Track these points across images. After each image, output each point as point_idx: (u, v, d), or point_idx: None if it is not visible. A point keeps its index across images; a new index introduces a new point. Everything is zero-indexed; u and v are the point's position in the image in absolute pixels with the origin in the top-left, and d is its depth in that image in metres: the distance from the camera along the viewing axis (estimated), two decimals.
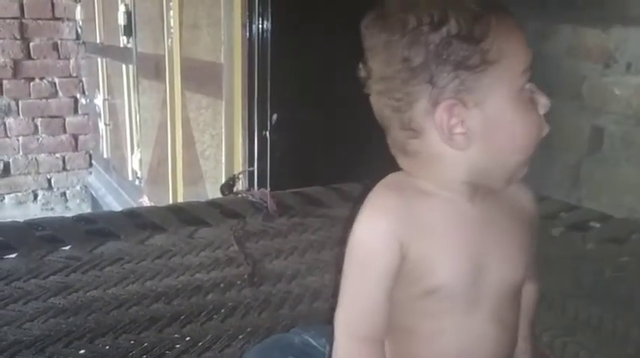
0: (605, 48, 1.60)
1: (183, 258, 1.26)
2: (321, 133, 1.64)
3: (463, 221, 0.67)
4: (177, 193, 2.41)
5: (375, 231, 0.65)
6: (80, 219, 1.39)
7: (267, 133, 1.64)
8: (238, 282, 1.16)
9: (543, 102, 0.66)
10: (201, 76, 2.04)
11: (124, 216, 1.43)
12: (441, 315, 0.67)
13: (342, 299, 0.67)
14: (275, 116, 1.63)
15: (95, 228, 1.36)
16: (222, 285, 1.15)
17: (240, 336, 0.98)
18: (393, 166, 0.69)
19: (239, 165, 1.77)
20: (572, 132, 1.70)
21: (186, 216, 1.44)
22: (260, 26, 1.62)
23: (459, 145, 0.63)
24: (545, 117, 0.66)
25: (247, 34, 1.64)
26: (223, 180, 1.76)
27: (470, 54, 0.61)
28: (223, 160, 1.86)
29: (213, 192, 1.88)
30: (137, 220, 1.40)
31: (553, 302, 1.08)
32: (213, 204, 1.50)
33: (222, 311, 1.05)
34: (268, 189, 1.49)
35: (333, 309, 0.69)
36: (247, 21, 1.63)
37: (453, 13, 0.61)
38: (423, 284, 0.66)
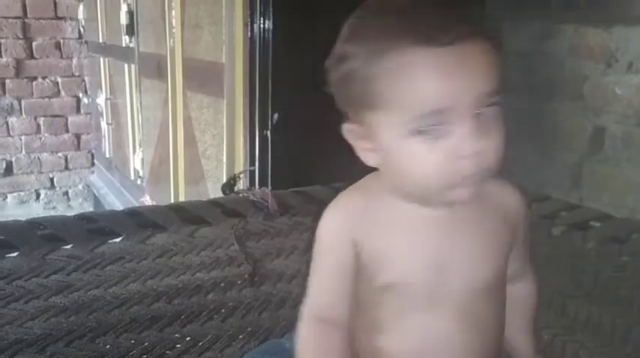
0: (607, 47, 1.60)
1: (184, 257, 1.26)
2: (322, 132, 1.64)
3: (421, 221, 0.68)
4: (179, 192, 2.41)
5: (330, 228, 0.70)
6: (82, 218, 1.39)
7: (268, 133, 1.65)
8: (239, 282, 1.16)
9: (461, 147, 0.60)
10: (202, 76, 2.04)
11: (125, 215, 1.43)
12: (403, 312, 0.69)
13: (308, 290, 0.72)
14: (276, 115, 1.64)
15: (96, 227, 1.36)
16: (222, 285, 1.15)
17: (241, 336, 0.98)
18: None
19: (240, 165, 1.78)
20: (573, 131, 1.70)
21: (188, 215, 1.44)
22: (261, 25, 1.62)
23: (367, 161, 0.66)
24: (475, 158, 0.61)
25: (249, 33, 1.64)
26: (224, 180, 1.76)
27: (361, 92, 0.62)
28: (224, 160, 1.87)
29: (215, 192, 1.88)
30: (138, 219, 1.41)
31: (553, 302, 1.08)
32: (214, 203, 1.50)
33: (223, 311, 1.06)
34: (269, 188, 1.49)
35: None
36: (249, 20, 1.63)
37: (358, 48, 0.61)
38: (379, 280, 0.69)
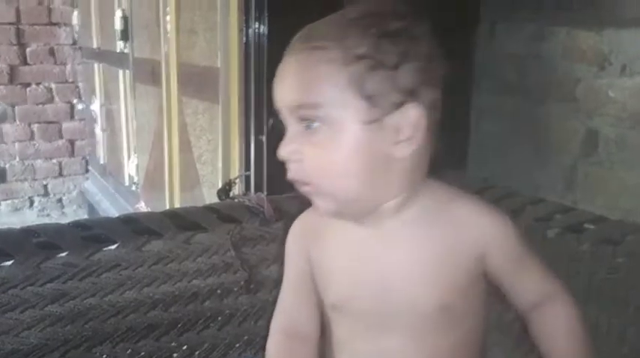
0: (600, 50, 1.61)
1: (181, 264, 1.25)
2: None
3: (365, 239, 0.67)
4: (174, 198, 2.41)
5: (290, 242, 0.76)
6: (76, 225, 1.38)
7: (264, 138, 1.64)
8: (235, 289, 1.16)
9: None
10: (198, 81, 2.04)
11: (120, 222, 1.42)
12: (355, 333, 0.69)
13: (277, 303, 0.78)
14: (271, 121, 1.63)
15: (92, 234, 1.35)
16: (219, 292, 1.15)
17: (237, 345, 0.98)
18: None
19: (235, 170, 1.77)
20: (567, 134, 1.70)
21: (183, 221, 1.43)
22: (256, 30, 1.62)
23: None
24: (290, 165, 0.67)
25: (244, 38, 1.65)
26: (220, 185, 1.76)
27: None
28: (220, 165, 1.86)
29: (210, 197, 1.88)
30: (134, 226, 1.40)
31: None
32: (209, 209, 1.50)
33: (219, 318, 1.05)
34: (265, 193, 1.48)
35: None
36: (244, 25, 1.64)
37: None
38: (327, 299, 0.71)
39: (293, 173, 0.66)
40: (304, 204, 1.52)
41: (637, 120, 1.56)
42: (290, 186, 1.71)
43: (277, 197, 1.55)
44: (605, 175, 1.63)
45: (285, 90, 0.63)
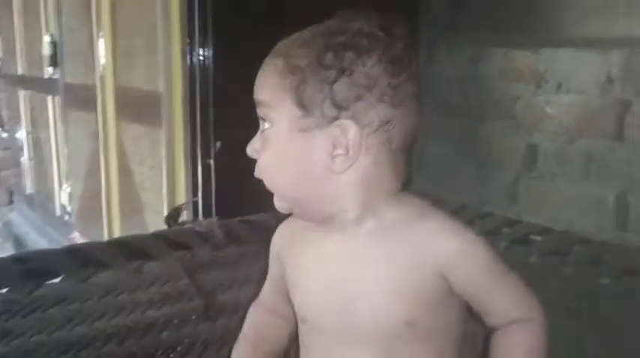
0: (536, 69, 1.68)
1: (132, 294, 1.20)
2: None
3: (326, 253, 0.68)
4: (113, 227, 2.32)
5: (271, 244, 0.77)
6: (15, 258, 1.31)
7: (211, 161, 1.61)
8: (193, 317, 1.12)
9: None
10: (138, 106, 1.99)
11: (63, 254, 1.36)
12: (323, 345, 0.69)
13: None
14: (218, 143, 1.61)
15: (32, 267, 1.28)
16: (176, 321, 1.10)
17: None
18: None
19: (182, 195, 1.73)
20: (508, 150, 1.76)
21: (131, 250, 1.38)
22: (201, 54, 1.60)
23: None
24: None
25: (188, 62, 1.62)
26: (165, 212, 1.70)
27: None
28: (165, 191, 1.81)
29: (155, 225, 1.82)
30: (78, 257, 1.34)
31: None
32: (158, 236, 1.45)
33: (179, 349, 1.01)
34: (215, 218, 1.45)
35: None
36: (188, 49, 1.61)
37: None
38: (298, 313, 0.72)
39: (256, 169, 0.68)
40: (255, 227, 1.50)
41: (573, 134, 1.63)
42: (240, 210, 1.68)
43: (228, 221, 1.52)
44: (546, 188, 1.69)
45: (256, 87, 0.68)
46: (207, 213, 1.62)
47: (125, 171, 2.15)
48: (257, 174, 0.67)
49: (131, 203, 2.14)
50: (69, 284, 1.24)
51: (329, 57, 0.61)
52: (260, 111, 0.66)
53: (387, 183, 0.66)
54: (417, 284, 0.65)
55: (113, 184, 2.26)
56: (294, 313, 0.75)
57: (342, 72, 0.61)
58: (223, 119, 1.64)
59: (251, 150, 0.67)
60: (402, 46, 0.63)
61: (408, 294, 0.65)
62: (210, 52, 1.59)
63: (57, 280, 1.26)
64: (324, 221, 0.67)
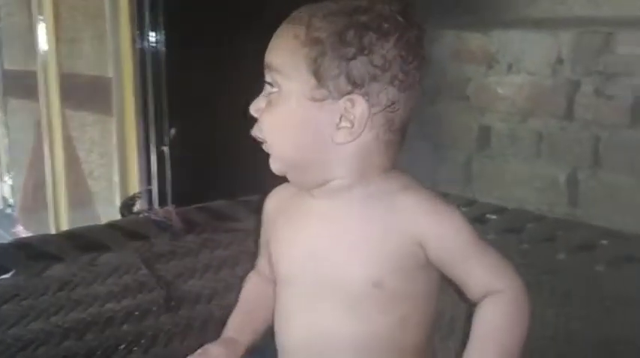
0: (487, 50, 1.70)
1: (89, 288, 1.16)
2: (223, 145, 1.60)
3: (307, 213, 0.72)
4: (61, 219, 2.24)
5: (262, 212, 0.81)
6: None
7: (166, 148, 1.57)
8: (154, 308, 1.09)
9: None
10: (85, 92, 1.92)
11: (12, 248, 1.30)
12: (295, 303, 0.73)
13: None
14: (173, 130, 1.57)
15: None
16: (137, 314, 1.07)
17: None
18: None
19: (135, 184, 1.68)
20: (461, 131, 1.78)
21: (85, 241, 1.34)
22: (151, 39, 1.55)
23: None
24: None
25: (138, 47, 1.57)
26: (118, 202, 1.66)
27: None
28: (117, 180, 1.76)
29: (107, 215, 1.77)
30: (28, 251, 1.28)
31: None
32: (112, 226, 1.41)
33: (143, 341, 0.98)
34: (172, 206, 1.42)
35: None
36: (137, 33, 1.56)
37: None
38: (277, 270, 0.75)
39: (253, 129, 0.70)
40: (214, 215, 1.48)
41: (525, 114, 1.66)
42: (196, 197, 1.66)
43: (185, 209, 1.49)
44: (499, 168, 1.72)
45: (268, 51, 0.69)
46: (162, 202, 1.58)
47: (72, 161, 2.08)
48: (255, 133, 0.70)
49: (80, 193, 2.07)
50: (21, 279, 1.19)
51: (350, 34, 0.64)
52: (269, 75, 0.68)
53: (382, 160, 0.70)
54: (392, 249, 0.68)
55: (59, 175, 2.18)
56: None
57: (361, 51, 0.64)
58: (177, 105, 1.60)
59: (255, 109, 0.69)
60: (417, 33, 0.66)
61: (381, 258, 0.68)
62: (162, 35, 1.55)
63: (7, 275, 1.21)
64: (315, 186, 0.71)
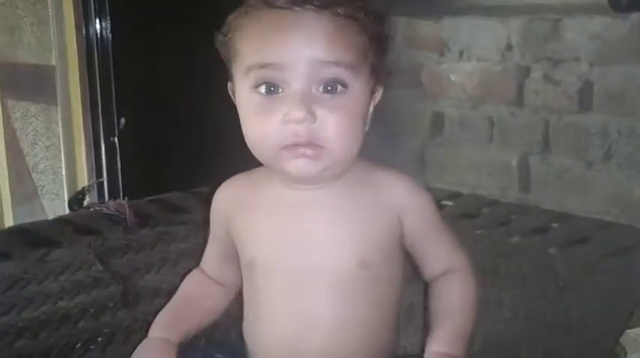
0: (439, 37, 1.71)
1: (40, 285, 1.12)
2: (175, 135, 1.56)
3: (284, 202, 0.71)
4: (5, 215, 2.16)
5: (213, 203, 0.79)
6: None
7: (116, 139, 1.53)
8: (111, 305, 1.06)
9: (290, 110, 0.62)
10: (27, 81, 1.84)
11: None
12: (273, 291, 0.71)
13: None
14: (123, 120, 1.52)
15: None
16: (92, 310, 1.04)
17: None
18: (246, 165, 0.76)
19: (84, 176, 1.63)
20: (415, 117, 1.80)
21: (33, 237, 1.29)
22: (97, 26, 1.50)
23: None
24: (304, 126, 0.63)
25: (83, 34, 1.52)
26: (66, 195, 1.60)
27: (227, 45, 0.68)
28: (64, 172, 1.70)
29: (54, 209, 1.71)
30: None
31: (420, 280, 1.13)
32: (62, 220, 1.36)
33: (100, 339, 0.95)
34: (125, 199, 1.38)
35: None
36: (82, 20, 1.51)
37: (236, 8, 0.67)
38: (244, 257, 0.74)
39: (303, 134, 0.63)
40: (168, 207, 1.44)
41: (476, 101, 1.69)
42: (149, 189, 1.62)
43: (138, 202, 1.45)
44: (452, 154, 1.74)
45: (312, 44, 0.62)
46: (114, 195, 1.54)
47: (15, 154, 2.00)
48: (312, 140, 0.63)
49: (24, 187, 1.99)
50: None
51: (387, 27, 0.68)
52: (335, 73, 0.63)
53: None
54: (376, 228, 0.70)
55: (1, 169, 2.09)
56: (234, 282, 0.79)
57: (391, 41, 0.69)
58: (126, 94, 1.55)
59: (308, 112, 0.62)
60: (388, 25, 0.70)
61: (364, 237, 0.70)
62: (108, 25, 1.50)
63: None
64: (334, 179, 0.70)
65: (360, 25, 0.64)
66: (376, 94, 0.70)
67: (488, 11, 1.63)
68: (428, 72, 1.77)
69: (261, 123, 0.64)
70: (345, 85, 0.63)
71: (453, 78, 1.71)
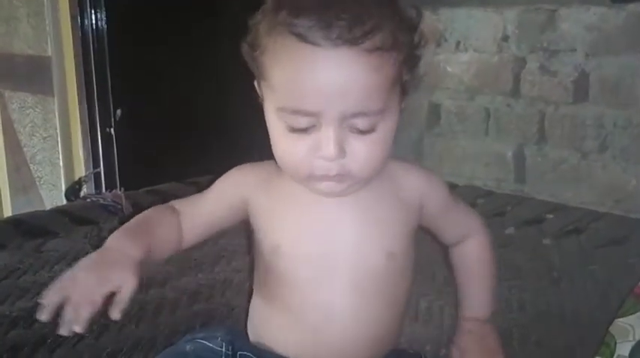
0: (436, 28, 1.71)
1: (36, 275, 1.12)
2: (171, 126, 1.56)
3: (312, 198, 0.71)
4: (2, 206, 2.16)
5: (228, 179, 0.79)
6: None
7: (112, 130, 1.53)
8: None
9: (322, 150, 0.63)
10: (24, 72, 1.84)
11: None
12: (295, 281, 0.72)
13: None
14: (119, 111, 1.52)
15: None
16: None
17: (122, 352, 0.90)
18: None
19: (81, 167, 1.63)
20: (412, 109, 1.79)
21: (29, 227, 1.29)
22: (93, 16, 1.50)
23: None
24: (335, 162, 0.64)
25: (79, 25, 1.51)
26: (64, 186, 1.61)
27: (246, 55, 0.66)
28: (61, 163, 1.70)
29: (52, 200, 1.71)
30: None
31: (423, 270, 1.13)
32: (59, 211, 1.36)
33: (94, 328, 0.96)
34: (121, 189, 1.38)
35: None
36: (77, 11, 1.51)
37: (253, 22, 0.65)
38: (266, 243, 0.74)
39: (337, 169, 0.64)
40: (164, 197, 1.44)
41: (473, 92, 1.68)
42: (146, 180, 1.62)
43: (134, 193, 1.45)
44: (448, 145, 1.74)
45: (346, 96, 0.60)
46: (110, 185, 1.54)
47: (13, 145, 2.00)
48: (345, 173, 0.64)
49: (22, 178, 2.00)
50: None
51: (420, 24, 0.69)
52: (364, 122, 0.62)
53: None
54: (398, 216, 0.74)
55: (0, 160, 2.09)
56: (188, 241, 0.79)
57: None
58: (123, 85, 1.55)
59: (340, 152, 0.62)
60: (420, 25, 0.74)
61: (391, 227, 0.73)
62: (104, 15, 1.50)
63: None
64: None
65: (397, 50, 0.62)
66: (404, 104, 0.70)
67: (485, 2, 1.63)
68: (425, 63, 1.74)
69: (290, 148, 0.65)
70: (375, 129, 0.64)
71: (449, 69, 1.71)
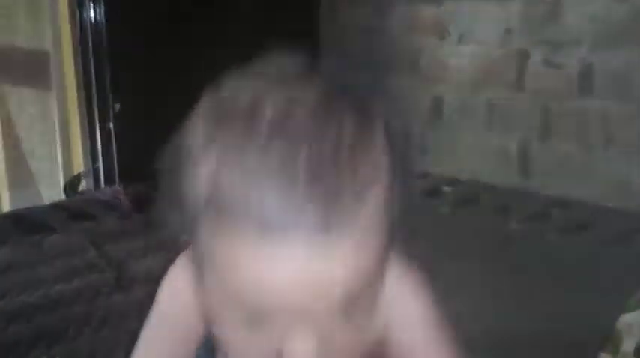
0: (439, 22, 1.69)
1: (35, 270, 1.12)
2: (170, 120, 1.54)
3: None
4: (1, 201, 2.14)
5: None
6: None
7: (111, 125, 1.51)
8: (105, 288, 1.06)
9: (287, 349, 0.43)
10: (22, 67, 1.83)
11: None
12: None
13: None
14: (118, 106, 1.51)
15: None
16: (87, 294, 1.04)
17: (120, 347, 0.89)
18: None
19: (80, 162, 1.61)
20: (415, 102, 1.77)
21: (28, 223, 1.29)
22: (92, 11, 1.48)
23: None
24: None
25: (77, 19, 1.50)
26: (62, 181, 1.59)
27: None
28: (60, 159, 1.69)
29: (51, 195, 1.69)
30: None
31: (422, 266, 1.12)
32: (58, 207, 1.36)
33: (94, 322, 0.95)
34: (120, 184, 1.37)
35: None
36: (76, 5, 1.49)
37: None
38: None
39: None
40: None
41: (476, 85, 1.67)
42: (144, 175, 1.60)
43: (133, 188, 1.44)
44: (451, 139, 1.73)
45: (319, 320, 0.43)
46: (109, 181, 1.52)
47: (11, 140, 1.98)
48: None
49: (20, 173, 1.98)
50: None
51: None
52: (353, 306, 0.43)
53: None
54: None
55: None
56: None
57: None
58: (121, 79, 1.53)
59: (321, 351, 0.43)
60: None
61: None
62: (102, 10, 1.48)
63: None
64: None
65: (389, 218, 0.43)
66: None
67: None
68: (427, 56, 1.74)
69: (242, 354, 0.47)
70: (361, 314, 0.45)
71: (452, 62, 1.69)
